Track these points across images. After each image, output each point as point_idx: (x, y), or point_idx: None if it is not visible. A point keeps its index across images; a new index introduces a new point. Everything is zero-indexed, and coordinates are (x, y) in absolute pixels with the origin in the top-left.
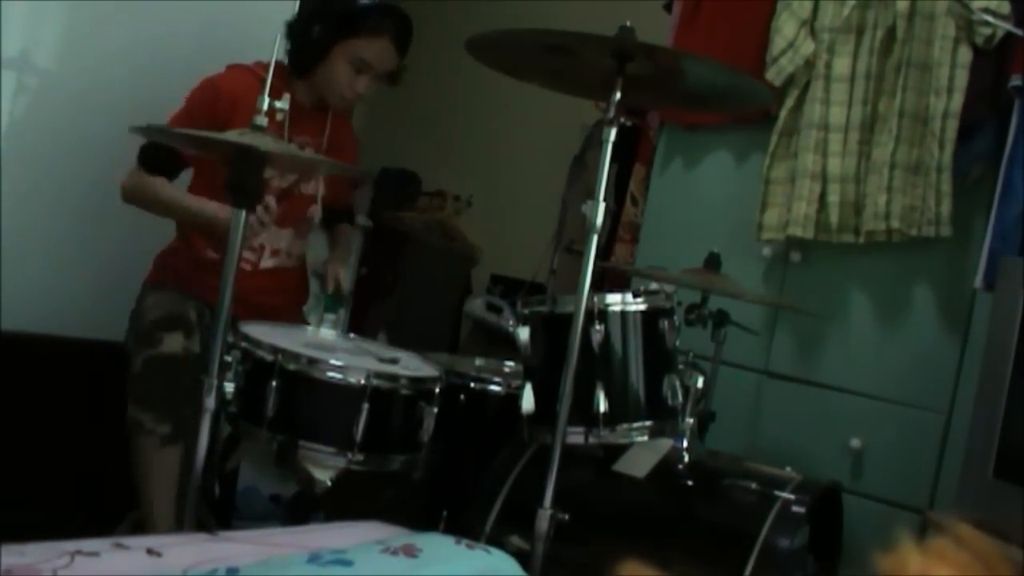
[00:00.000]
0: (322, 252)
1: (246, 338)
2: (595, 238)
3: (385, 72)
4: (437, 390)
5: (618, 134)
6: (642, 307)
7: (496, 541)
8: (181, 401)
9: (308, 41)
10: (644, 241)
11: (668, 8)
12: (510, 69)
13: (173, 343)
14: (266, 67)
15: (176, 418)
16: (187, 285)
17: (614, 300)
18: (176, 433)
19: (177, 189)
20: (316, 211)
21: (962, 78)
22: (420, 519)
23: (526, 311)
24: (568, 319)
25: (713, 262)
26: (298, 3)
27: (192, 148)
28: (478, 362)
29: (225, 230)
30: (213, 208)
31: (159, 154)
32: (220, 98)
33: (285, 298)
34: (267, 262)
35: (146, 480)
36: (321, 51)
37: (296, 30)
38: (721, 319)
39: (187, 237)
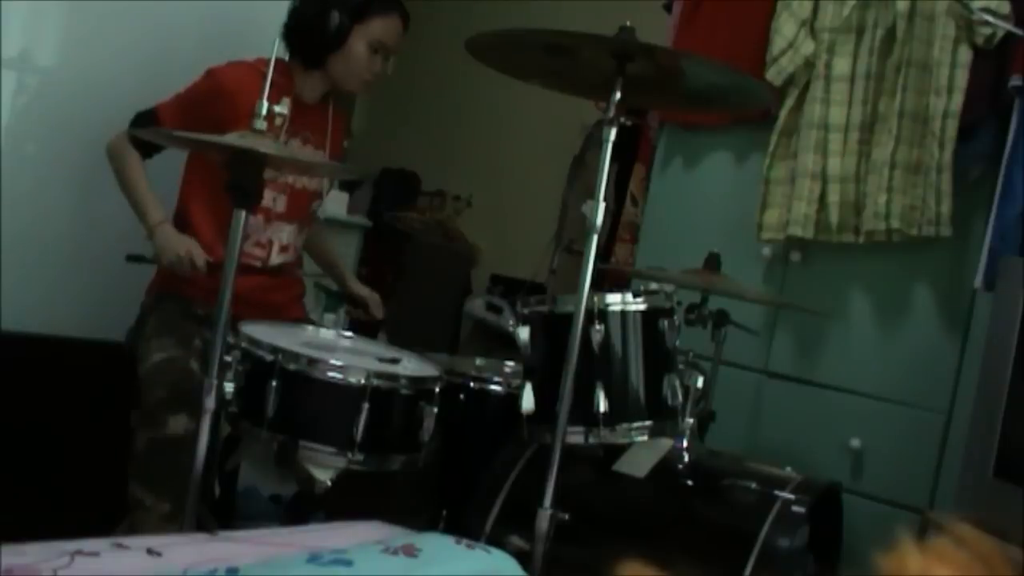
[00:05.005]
0: None
1: (246, 338)
2: (595, 238)
3: (395, 50)
4: (437, 390)
5: (618, 134)
6: (642, 307)
7: (496, 541)
8: (181, 480)
9: (324, 32)
10: (644, 241)
11: (668, 8)
12: (510, 69)
13: (177, 425)
14: (269, 63)
15: (175, 496)
16: (192, 292)
17: (614, 300)
18: (175, 511)
19: (145, 177)
20: (319, 205)
21: (962, 78)
22: (420, 519)
23: (526, 311)
24: (568, 319)
25: (713, 262)
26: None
27: (191, 149)
28: (478, 362)
29: (156, 242)
30: (157, 216)
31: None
32: (221, 95)
33: (288, 294)
34: (276, 258)
35: None
36: (340, 39)
37: (307, 23)
38: (721, 319)
39: (191, 231)
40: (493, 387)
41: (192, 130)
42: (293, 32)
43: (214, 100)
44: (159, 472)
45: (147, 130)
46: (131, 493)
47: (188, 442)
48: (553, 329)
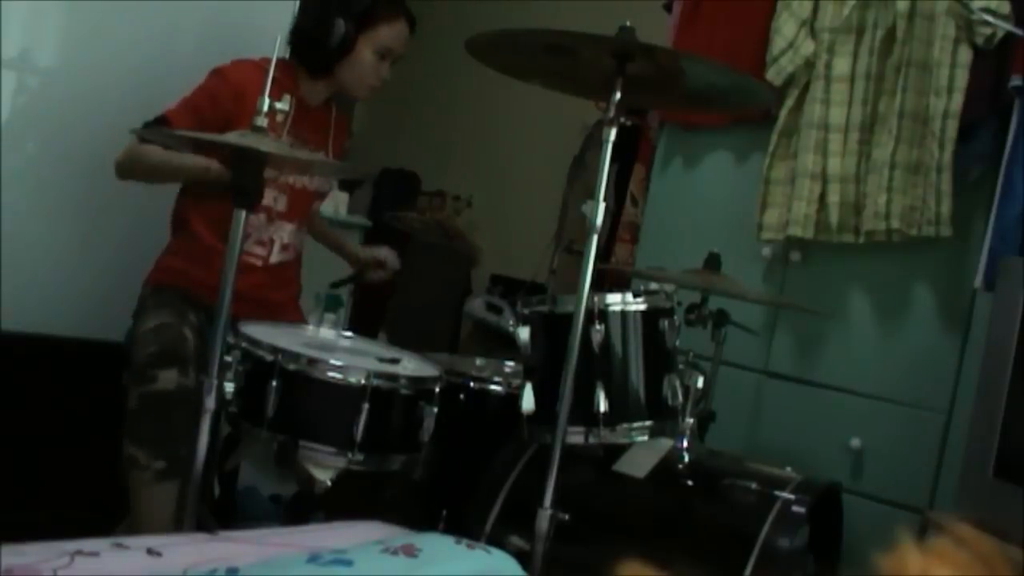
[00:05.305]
0: None
1: (246, 338)
2: (595, 238)
3: (401, 54)
4: (437, 390)
5: (618, 134)
6: (642, 307)
7: (496, 541)
8: (175, 437)
9: (331, 40)
10: (644, 241)
11: (668, 8)
12: (510, 69)
13: (167, 380)
14: (271, 61)
15: (170, 454)
16: (191, 285)
17: (614, 300)
18: (170, 469)
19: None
20: (320, 205)
21: (962, 78)
22: (420, 519)
23: (526, 311)
24: (568, 319)
25: (713, 262)
26: (299, 4)
27: (192, 149)
28: (478, 362)
29: (218, 177)
30: (203, 161)
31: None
32: (228, 93)
33: (286, 292)
34: (276, 257)
35: (140, 514)
36: (346, 48)
37: (313, 33)
38: (721, 319)
39: (190, 231)
40: (493, 387)
41: (203, 131)
42: (299, 42)
43: (222, 98)
44: (151, 428)
45: (148, 130)
46: (125, 452)
47: (179, 397)
48: (553, 329)
